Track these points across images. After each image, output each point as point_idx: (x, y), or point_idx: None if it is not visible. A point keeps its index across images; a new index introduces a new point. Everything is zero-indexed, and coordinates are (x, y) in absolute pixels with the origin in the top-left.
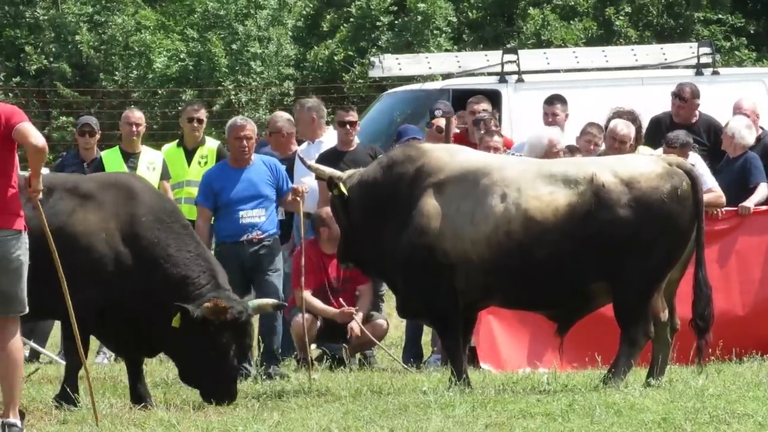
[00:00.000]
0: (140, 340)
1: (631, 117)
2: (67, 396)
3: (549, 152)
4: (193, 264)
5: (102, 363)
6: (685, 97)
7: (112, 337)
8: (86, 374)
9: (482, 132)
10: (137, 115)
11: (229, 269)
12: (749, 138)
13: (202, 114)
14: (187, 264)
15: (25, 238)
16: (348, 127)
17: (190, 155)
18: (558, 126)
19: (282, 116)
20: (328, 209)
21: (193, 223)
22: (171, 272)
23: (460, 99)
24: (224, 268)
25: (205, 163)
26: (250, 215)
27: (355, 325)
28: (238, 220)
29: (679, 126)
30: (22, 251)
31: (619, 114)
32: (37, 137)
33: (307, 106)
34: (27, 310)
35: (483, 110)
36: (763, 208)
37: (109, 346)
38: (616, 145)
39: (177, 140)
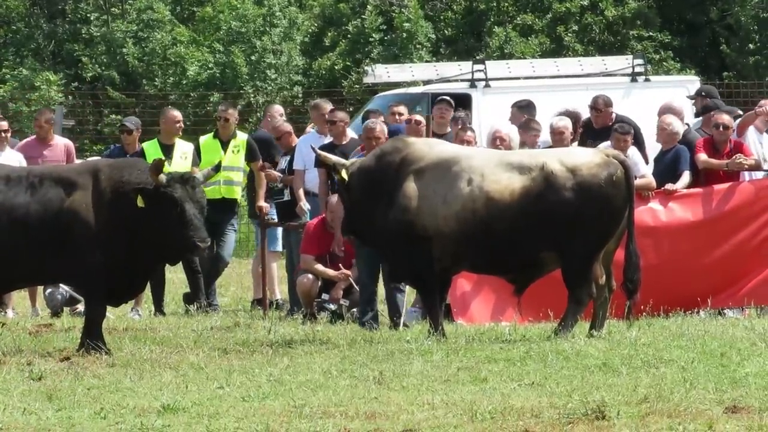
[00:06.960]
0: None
1: (572, 115)
2: (95, 345)
3: (493, 142)
4: None
5: (134, 317)
6: (599, 108)
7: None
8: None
9: (458, 128)
10: (180, 116)
11: None
12: (682, 131)
13: (229, 114)
14: None
15: None
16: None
17: (225, 145)
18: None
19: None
20: (332, 199)
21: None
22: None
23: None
24: None
25: (238, 151)
26: None
27: (343, 285)
28: None
29: (599, 130)
30: None
31: (563, 113)
32: None
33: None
34: None
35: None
36: (687, 191)
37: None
38: (556, 137)
39: (213, 132)
